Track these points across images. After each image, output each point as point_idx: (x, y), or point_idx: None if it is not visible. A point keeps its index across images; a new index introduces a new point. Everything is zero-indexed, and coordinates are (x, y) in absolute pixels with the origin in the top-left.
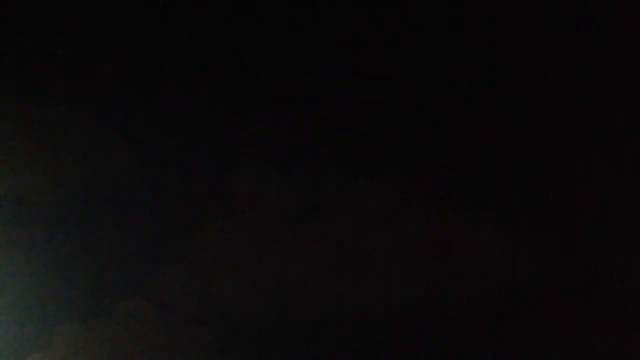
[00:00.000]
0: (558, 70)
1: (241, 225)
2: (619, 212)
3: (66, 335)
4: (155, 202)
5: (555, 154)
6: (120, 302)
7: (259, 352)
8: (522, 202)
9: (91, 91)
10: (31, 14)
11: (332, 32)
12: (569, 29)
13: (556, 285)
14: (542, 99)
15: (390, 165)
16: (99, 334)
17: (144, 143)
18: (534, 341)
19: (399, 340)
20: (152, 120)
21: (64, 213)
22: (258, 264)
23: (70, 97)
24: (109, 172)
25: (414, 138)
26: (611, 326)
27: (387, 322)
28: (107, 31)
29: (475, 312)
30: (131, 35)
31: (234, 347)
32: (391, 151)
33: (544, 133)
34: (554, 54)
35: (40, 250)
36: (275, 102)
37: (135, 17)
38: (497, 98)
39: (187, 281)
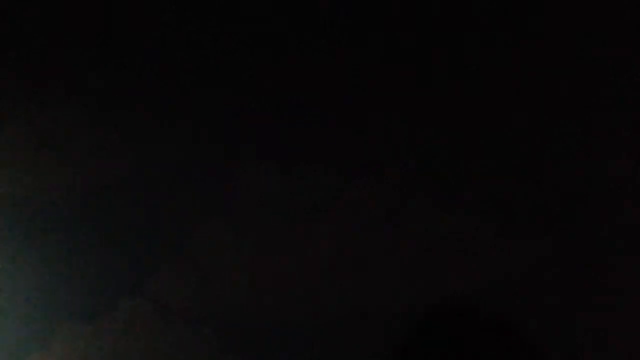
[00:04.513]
0: (559, 71)
1: (241, 225)
2: (619, 212)
3: (66, 335)
4: (155, 202)
5: (556, 154)
6: (120, 302)
7: (259, 352)
8: (522, 202)
9: (91, 91)
10: (31, 13)
11: (332, 32)
12: (569, 28)
13: (556, 286)
14: (543, 99)
15: (390, 165)
16: (99, 334)
17: (144, 143)
18: (534, 341)
19: (399, 340)
20: (152, 120)
21: (64, 213)
22: (258, 264)
23: (70, 97)
24: (109, 172)
25: (414, 138)
26: (611, 326)
27: (387, 321)
28: (108, 31)
29: (475, 311)
30: (132, 35)
31: (234, 347)
32: (391, 151)
33: (545, 133)
34: (553, 54)
35: (40, 250)
36: (276, 102)
37: (136, 17)
38: (498, 98)
39: (187, 281)
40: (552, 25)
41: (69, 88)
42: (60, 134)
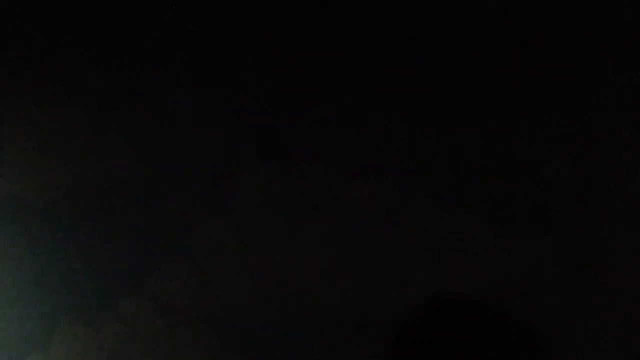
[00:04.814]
0: (559, 71)
1: (241, 225)
2: (619, 213)
3: (66, 335)
4: (155, 202)
5: (556, 154)
6: (120, 302)
7: (259, 352)
8: (522, 202)
9: (91, 91)
10: (31, 13)
11: (331, 32)
12: (569, 28)
13: (556, 286)
14: (542, 100)
15: (390, 165)
16: (98, 334)
17: (144, 143)
18: (534, 341)
19: (399, 339)
20: (152, 120)
21: (64, 213)
22: (258, 264)
23: (70, 97)
24: (109, 172)
25: (414, 138)
26: (611, 326)
27: (387, 321)
28: (108, 31)
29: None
30: (132, 35)
31: (234, 347)
32: (391, 151)
33: (545, 133)
34: (553, 54)
35: (40, 250)
36: (276, 102)
37: (136, 17)
38: (498, 98)
39: (187, 281)
40: (552, 25)
41: (69, 88)
42: (60, 134)
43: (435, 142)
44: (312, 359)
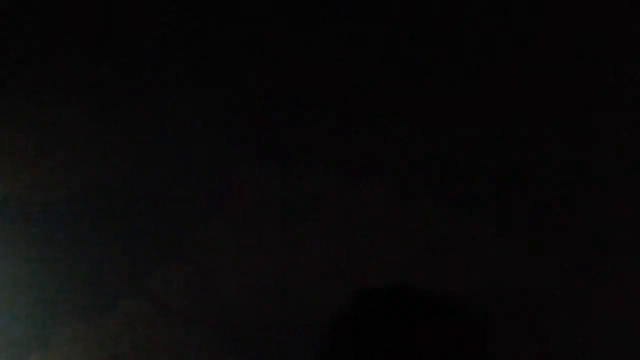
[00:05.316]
0: (559, 71)
1: (241, 225)
2: (619, 212)
3: (66, 335)
4: (155, 202)
5: (556, 155)
6: (120, 302)
7: (259, 352)
8: (522, 202)
9: (91, 91)
10: (31, 13)
11: (331, 32)
12: (569, 28)
13: (556, 286)
14: (543, 100)
15: (390, 165)
16: (99, 334)
17: (144, 143)
18: (534, 341)
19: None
20: (152, 120)
21: (64, 213)
22: (258, 264)
23: (70, 97)
24: (109, 172)
25: (414, 138)
26: (611, 326)
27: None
28: (108, 31)
29: (475, 311)
30: (131, 35)
31: (234, 347)
32: (391, 151)
33: (545, 133)
34: (553, 54)
35: (40, 250)
36: (275, 102)
37: (136, 17)
38: (498, 98)
39: (187, 281)
40: (552, 25)
41: (69, 88)
42: (60, 134)
43: (435, 142)
44: (312, 359)
